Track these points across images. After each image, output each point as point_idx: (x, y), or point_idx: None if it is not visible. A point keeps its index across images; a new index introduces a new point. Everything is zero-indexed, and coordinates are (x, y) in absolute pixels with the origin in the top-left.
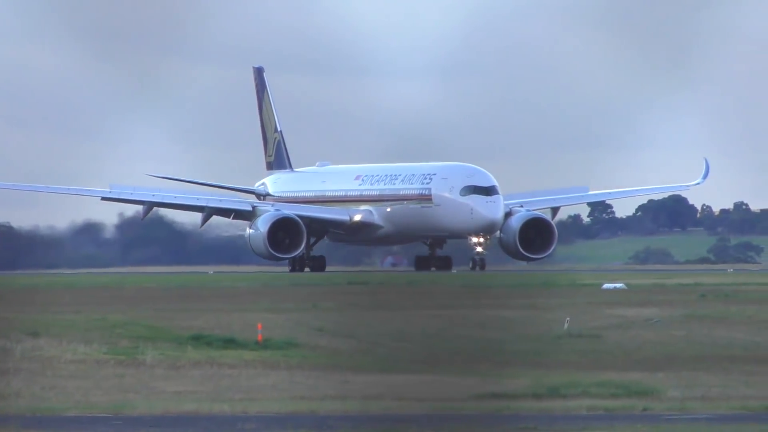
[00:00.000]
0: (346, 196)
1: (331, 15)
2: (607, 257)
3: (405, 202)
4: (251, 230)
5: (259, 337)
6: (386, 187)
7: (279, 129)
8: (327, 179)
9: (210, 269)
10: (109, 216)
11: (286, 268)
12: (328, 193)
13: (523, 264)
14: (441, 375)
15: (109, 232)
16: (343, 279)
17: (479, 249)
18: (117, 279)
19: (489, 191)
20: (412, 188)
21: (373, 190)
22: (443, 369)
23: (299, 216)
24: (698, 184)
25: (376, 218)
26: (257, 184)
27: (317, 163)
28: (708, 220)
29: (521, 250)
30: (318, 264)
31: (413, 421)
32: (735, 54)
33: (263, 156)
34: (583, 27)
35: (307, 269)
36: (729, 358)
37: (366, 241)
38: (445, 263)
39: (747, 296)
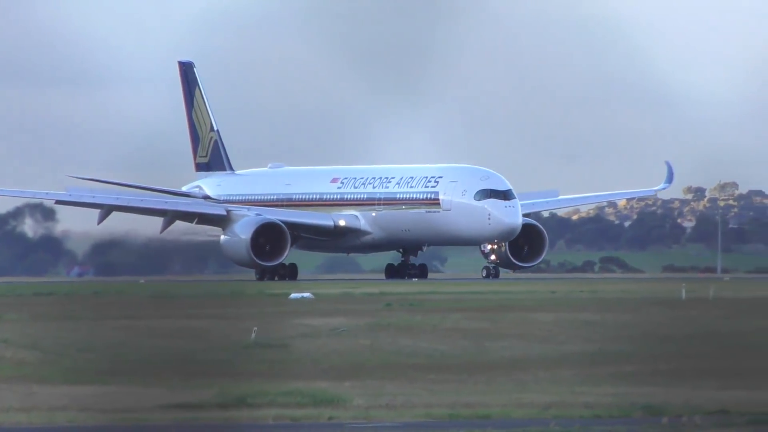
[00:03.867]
0: (322, 199)
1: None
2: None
3: (404, 207)
4: (227, 236)
5: None
6: (377, 190)
7: (216, 128)
8: (293, 181)
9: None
10: None
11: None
12: (297, 197)
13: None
14: (128, 386)
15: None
16: (29, 290)
17: (493, 257)
18: None
19: (507, 195)
20: (414, 192)
21: (358, 193)
22: (130, 380)
23: (282, 221)
24: (664, 188)
25: (362, 223)
26: (188, 187)
27: (269, 165)
28: None
29: (511, 258)
30: (290, 272)
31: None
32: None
33: (192, 157)
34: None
35: (276, 278)
36: (413, 367)
37: (349, 248)
38: (422, 271)
39: (432, 305)
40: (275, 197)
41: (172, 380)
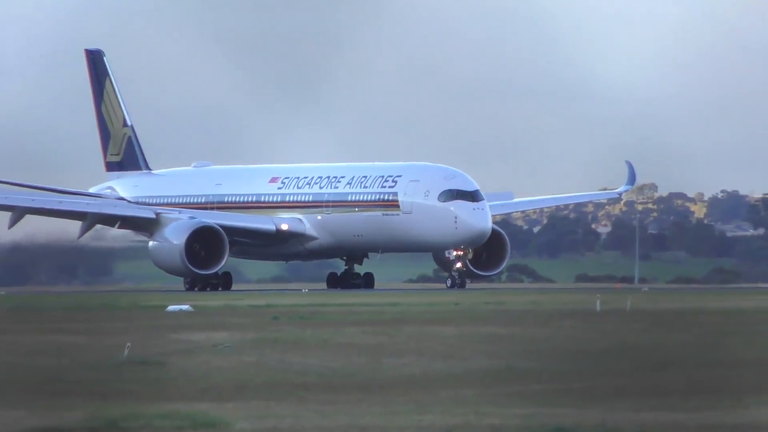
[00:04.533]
0: (260, 201)
1: None
2: None
3: (356, 210)
4: (157, 242)
5: None
6: (325, 191)
7: (129, 123)
8: (224, 181)
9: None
10: None
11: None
12: (231, 198)
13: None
14: None
15: None
16: None
17: (459, 265)
18: None
19: (474, 196)
20: (369, 192)
21: (302, 194)
22: None
23: (219, 225)
24: (627, 189)
25: (307, 228)
26: (98, 188)
27: (193, 164)
28: None
29: (470, 266)
30: (224, 282)
31: None
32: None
33: (101, 155)
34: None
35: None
36: (303, 386)
37: (290, 255)
38: (368, 281)
39: (323, 318)
40: (204, 199)
41: (34, 401)
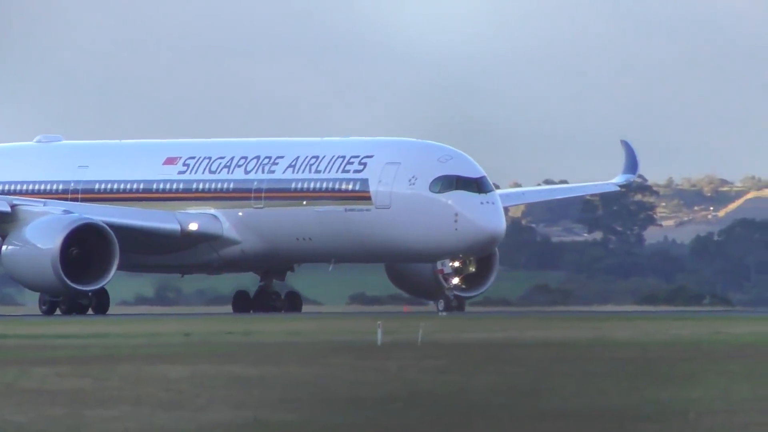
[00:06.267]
0: (151, 190)
1: None
2: None
3: (304, 203)
4: (15, 245)
5: None
6: (256, 176)
7: None
8: (92, 162)
9: None
10: None
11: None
12: (103, 186)
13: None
14: None
15: None
16: None
17: (455, 281)
18: None
19: (481, 185)
20: (325, 178)
21: (218, 180)
22: None
23: (107, 223)
24: (628, 181)
25: (225, 228)
26: None
27: (37, 138)
28: None
29: (444, 283)
30: (99, 303)
31: None
32: None
33: None
34: None
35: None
36: None
37: (193, 266)
38: (293, 302)
39: (5, 354)
40: (60, 186)
41: None
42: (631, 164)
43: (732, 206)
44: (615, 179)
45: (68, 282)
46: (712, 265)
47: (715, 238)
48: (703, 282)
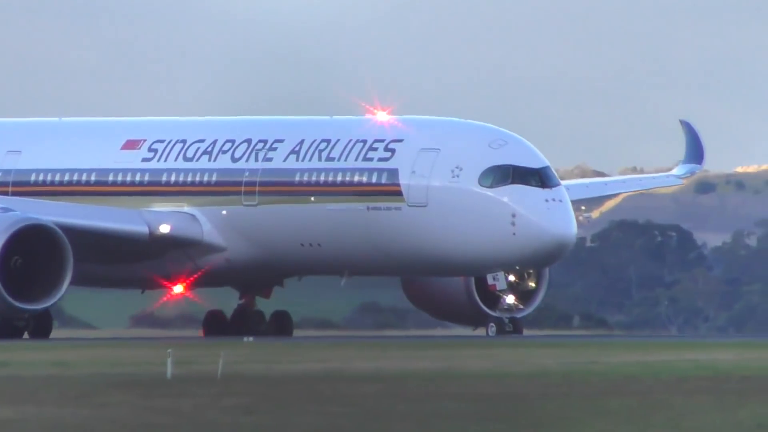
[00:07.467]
0: (106, 183)
1: None
2: None
3: (312, 199)
4: None
5: None
6: (248, 165)
7: None
8: (27, 146)
9: None
10: None
11: None
12: (42, 178)
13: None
14: None
15: None
16: None
17: (512, 299)
18: None
19: (544, 178)
20: (341, 167)
21: (197, 170)
22: None
23: (58, 224)
24: (691, 173)
25: (205, 230)
26: None
27: None
28: None
29: (480, 303)
30: (40, 324)
31: None
32: None
33: None
34: None
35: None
36: None
37: (168, 279)
38: (282, 324)
39: None
40: None
41: None
42: (695, 151)
43: (609, 204)
44: (675, 170)
45: (9, 299)
46: (584, 278)
47: (588, 244)
48: (572, 299)
